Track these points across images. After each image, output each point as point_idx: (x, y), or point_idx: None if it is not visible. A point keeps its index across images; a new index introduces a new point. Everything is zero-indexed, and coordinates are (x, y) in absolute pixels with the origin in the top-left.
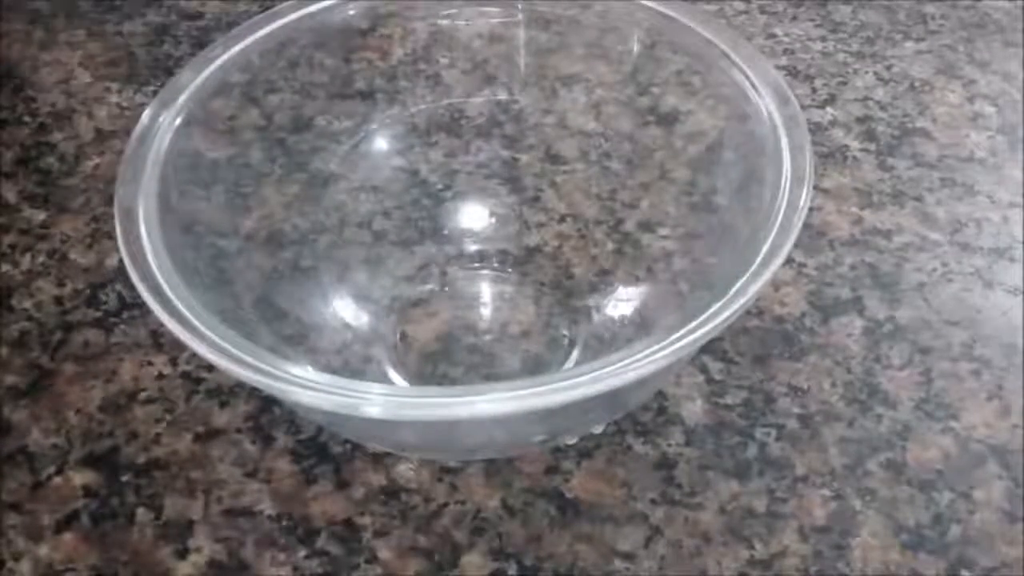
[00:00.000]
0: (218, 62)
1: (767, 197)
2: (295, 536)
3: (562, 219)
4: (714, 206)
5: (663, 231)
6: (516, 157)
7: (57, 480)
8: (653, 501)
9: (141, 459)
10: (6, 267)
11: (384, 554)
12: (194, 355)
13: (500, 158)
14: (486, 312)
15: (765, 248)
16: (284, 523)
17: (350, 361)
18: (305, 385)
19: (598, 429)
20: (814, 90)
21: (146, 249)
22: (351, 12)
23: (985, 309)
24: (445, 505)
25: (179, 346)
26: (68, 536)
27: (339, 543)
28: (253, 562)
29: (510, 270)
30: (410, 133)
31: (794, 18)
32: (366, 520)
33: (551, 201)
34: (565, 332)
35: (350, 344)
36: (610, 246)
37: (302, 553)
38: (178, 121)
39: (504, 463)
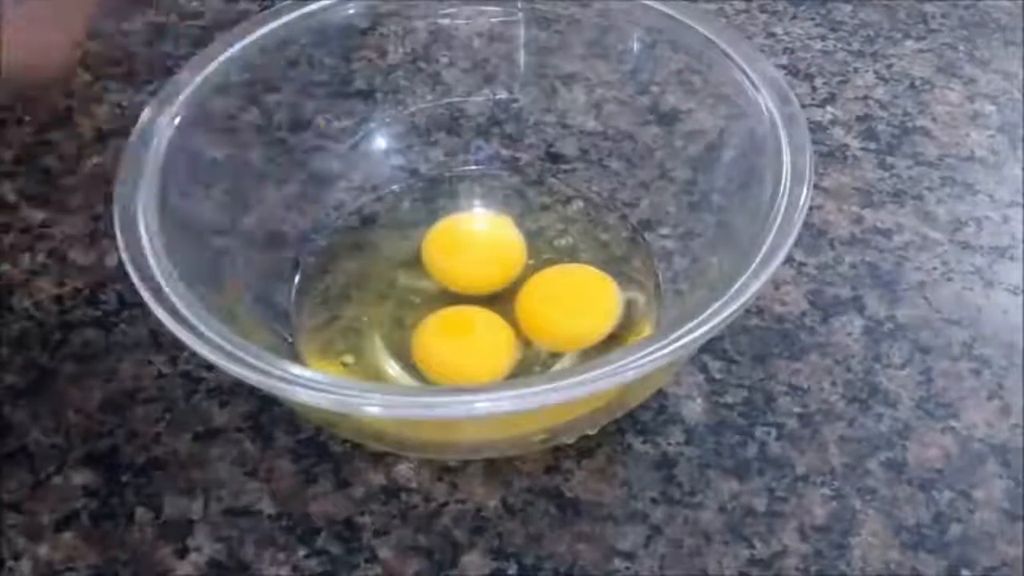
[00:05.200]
0: (218, 61)
1: (767, 196)
2: (295, 536)
3: (562, 217)
4: (714, 205)
5: (663, 230)
6: (516, 156)
7: (57, 480)
8: (653, 500)
9: (141, 459)
10: (6, 267)
11: (384, 553)
12: (194, 354)
13: (500, 157)
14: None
15: (765, 247)
16: (284, 523)
17: (350, 360)
18: (305, 385)
19: (593, 430)
20: (814, 89)
21: (146, 249)
22: (351, 11)
23: (985, 308)
24: (445, 505)
25: (179, 345)
26: (68, 536)
27: (339, 543)
28: (253, 562)
29: None
30: (410, 132)
31: (794, 17)
32: (366, 520)
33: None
34: None
35: (350, 343)
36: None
37: (302, 553)
38: (178, 121)
39: (504, 463)
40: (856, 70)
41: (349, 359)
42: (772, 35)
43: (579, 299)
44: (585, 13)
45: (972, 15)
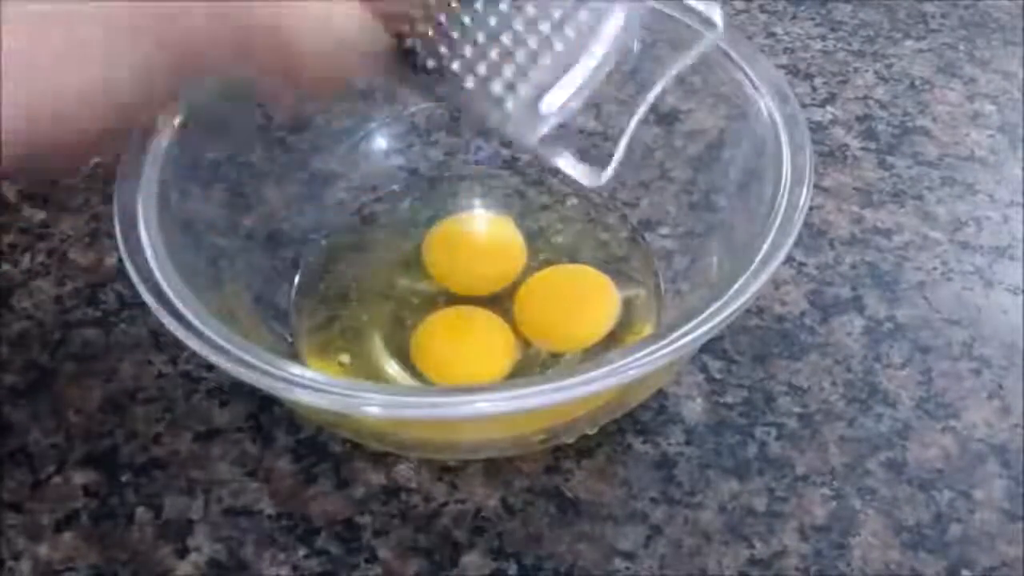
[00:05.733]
0: None
1: (767, 196)
2: (295, 536)
3: (562, 217)
4: (714, 205)
5: (663, 230)
6: (516, 156)
7: (57, 480)
8: (653, 500)
9: (141, 458)
10: (6, 266)
11: (384, 553)
12: (194, 354)
13: (500, 157)
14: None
15: (765, 247)
16: (284, 523)
17: (346, 359)
18: (305, 385)
19: (593, 430)
20: (814, 89)
21: (146, 249)
22: None
23: (985, 308)
24: (445, 505)
25: (179, 345)
26: (68, 536)
27: (339, 542)
28: (253, 562)
29: None
30: (410, 132)
31: (794, 17)
32: (366, 520)
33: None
34: None
35: (349, 343)
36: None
37: (302, 552)
38: (178, 121)
39: (504, 463)
40: (856, 70)
41: (345, 358)
42: (772, 35)
43: (577, 299)
44: None
45: (972, 15)
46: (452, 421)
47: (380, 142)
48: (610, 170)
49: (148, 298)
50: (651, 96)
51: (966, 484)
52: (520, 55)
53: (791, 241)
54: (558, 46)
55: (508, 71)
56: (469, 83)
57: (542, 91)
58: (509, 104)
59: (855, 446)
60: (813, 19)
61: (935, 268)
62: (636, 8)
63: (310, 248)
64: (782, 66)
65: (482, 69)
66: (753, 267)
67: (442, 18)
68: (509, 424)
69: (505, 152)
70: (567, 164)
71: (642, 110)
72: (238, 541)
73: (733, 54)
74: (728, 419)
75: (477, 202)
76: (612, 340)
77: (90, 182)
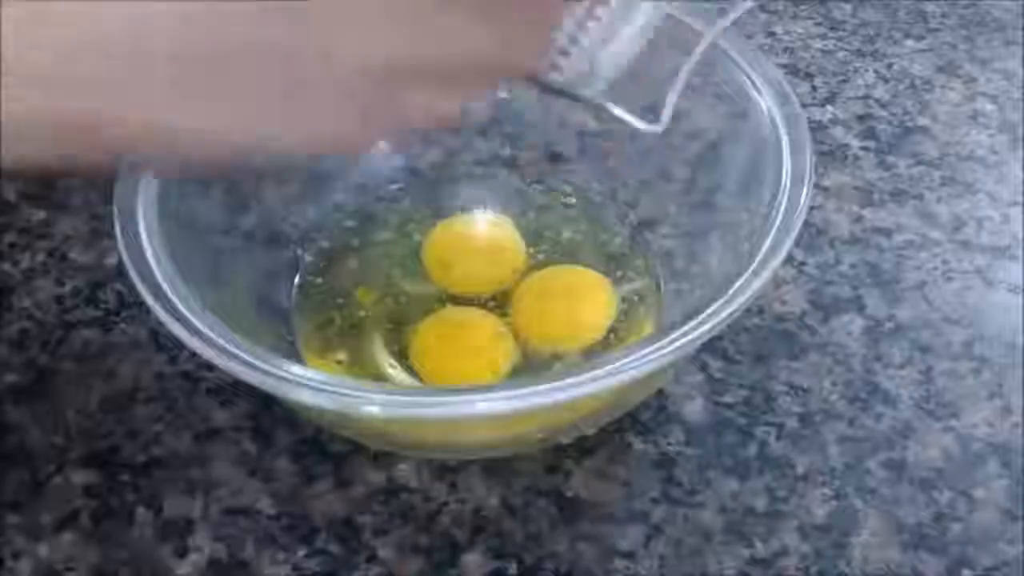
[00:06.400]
0: None
1: (767, 196)
2: (295, 535)
3: (562, 216)
4: (714, 205)
5: (663, 230)
6: (516, 155)
7: (57, 479)
8: (653, 500)
9: (141, 458)
10: (6, 266)
11: (384, 553)
12: (194, 354)
13: (500, 157)
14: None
15: (765, 247)
16: (284, 522)
17: (343, 357)
18: (306, 385)
19: (592, 430)
20: (814, 88)
21: (146, 249)
22: None
23: (986, 308)
24: (445, 504)
25: (179, 345)
26: (68, 535)
27: (339, 542)
28: (253, 561)
29: None
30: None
31: (794, 16)
32: (366, 519)
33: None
34: None
35: (349, 343)
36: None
37: (302, 552)
38: None
39: (504, 463)
40: (856, 69)
41: (342, 356)
42: (772, 34)
43: (575, 299)
44: None
45: (972, 14)
46: (452, 421)
47: (380, 142)
48: (665, 118)
49: (148, 298)
50: (699, 49)
51: (966, 484)
52: (569, 23)
53: (791, 241)
54: (602, 15)
55: (569, 26)
56: None
57: (596, 49)
58: (573, 54)
59: (855, 446)
60: (813, 18)
61: (935, 268)
62: None
63: (310, 248)
64: (782, 66)
65: None
66: (753, 267)
67: None
68: (509, 424)
69: (505, 152)
70: (623, 112)
71: (693, 60)
72: (238, 541)
73: (733, 54)
74: (728, 419)
75: (477, 202)
76: (612, 340)
77: (90, 182)
